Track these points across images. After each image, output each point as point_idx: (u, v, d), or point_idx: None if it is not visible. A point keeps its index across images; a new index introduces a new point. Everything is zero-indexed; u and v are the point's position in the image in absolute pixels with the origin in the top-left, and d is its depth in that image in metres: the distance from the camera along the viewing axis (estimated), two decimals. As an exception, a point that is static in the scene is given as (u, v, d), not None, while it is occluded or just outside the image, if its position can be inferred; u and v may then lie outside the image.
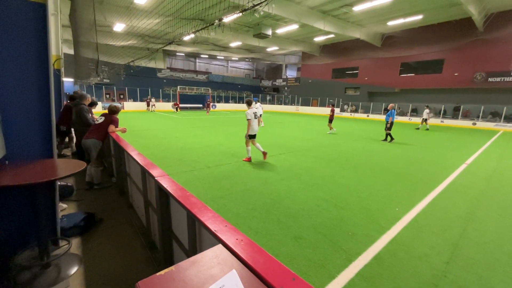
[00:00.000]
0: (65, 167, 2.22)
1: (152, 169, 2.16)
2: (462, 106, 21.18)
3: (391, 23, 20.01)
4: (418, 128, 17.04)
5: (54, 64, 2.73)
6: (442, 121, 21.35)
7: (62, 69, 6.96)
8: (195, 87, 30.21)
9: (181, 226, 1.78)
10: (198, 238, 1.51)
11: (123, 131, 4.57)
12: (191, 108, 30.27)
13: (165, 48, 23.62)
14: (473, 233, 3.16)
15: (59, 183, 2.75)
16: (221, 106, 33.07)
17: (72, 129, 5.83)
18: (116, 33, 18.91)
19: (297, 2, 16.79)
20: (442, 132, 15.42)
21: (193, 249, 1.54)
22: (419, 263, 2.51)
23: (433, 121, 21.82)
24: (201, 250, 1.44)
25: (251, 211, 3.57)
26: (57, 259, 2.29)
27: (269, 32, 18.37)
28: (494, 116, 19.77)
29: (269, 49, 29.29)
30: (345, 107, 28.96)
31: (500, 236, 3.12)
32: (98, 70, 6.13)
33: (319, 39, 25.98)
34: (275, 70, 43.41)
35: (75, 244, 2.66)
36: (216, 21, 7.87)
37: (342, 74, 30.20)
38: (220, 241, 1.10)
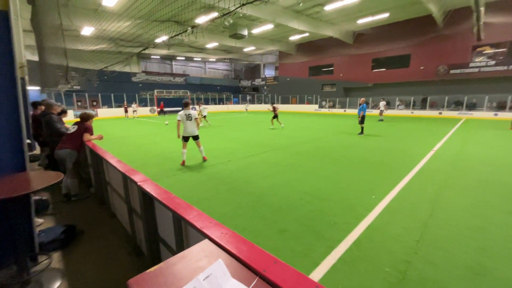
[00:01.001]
0: (40, 180, 2.16)
1: (133, 174, 2.16)
2: (429, 97, 22.71)
3: (360, 21, 20.96)
4: (381, 120, 17.68)
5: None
6: (412, 112, 22.73)
7: (26, 77, 6.55)
8: (173, 90, 29.57)
9: (167, 228, 1.81)
10: (184, 237, 1.56)
11: (100, 138, 4.43)
12: (170, 112, 29.54)
13: (140, 51, 22.88)
14: (440, 213, 3.47)
15: (33, 197, 2.63)
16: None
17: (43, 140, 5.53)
18: (84, 37, 17.99)
19: (271, 2, 17.04)
20: (412, 122, 16.44)
21: (180, 249, 1.59)
22: (393, 244, 2.74)
23: (404, 112, 23.19)
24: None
25: (237, 209, 3.64)
26: (38, 275, 2.21)
27: (245, 32, 18.47)
28: (457, 105, 21.43)
29: (246, 49, 29.40)
30: (323, 103, 29.85)
31: (463, 213, 3.46)
32: (68, 76, 5.85)
33: (295, 38, 26.53)
34: (254, 70, 43.65)
35: (56, 259, 2.57)
36: (189, 28, 7.81)
37: (318, 71, 31.08)
38: (206, 236, 1.17)
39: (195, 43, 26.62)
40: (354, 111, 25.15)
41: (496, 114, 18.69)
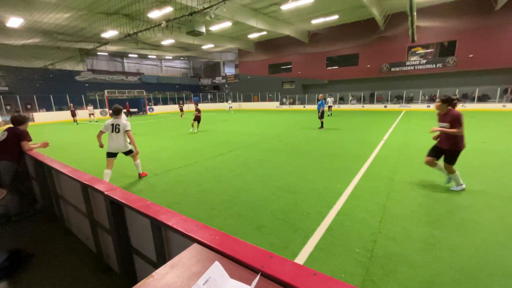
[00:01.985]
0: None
1: (97, 183, 1.95)
2: (375, 93, 25.23)
3: (314, 21, 22.16)
4: (330, 115, 18.06)
5: None
6: (363, 106, 24.99)
7: None
8: (126, 90, 27.28)
9: (143, 237, 1.68)
10: (166, 245, 1.46)
11: (45, 146, 3.86)
12: (124, 113, 27.31)
13: (83, 47, 20.48)
14: (394, 194, 3.90)
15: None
16: (159, 109, 30.77)
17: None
18: (11, 29, 15.39)
19: (228, -1, 16.87)
20: (363, 115, 18.08)
21: (162, 258, 1.49)
22: (360, 226, 2.99)
23: (356, 106, 25.37)
24: (171, 256, 1.40)
25: (210, 210, 3.56)
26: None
27: (203, 29, 17.93)
28: (398, 99, 24.25)
29: (204, 47, 28.65)
30: (284, 100, 30.86)
31: (413, 193, 3.95)
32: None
33: (253, 36, 26.78)
34: (213, 68, 42.84)
35: (0, 290, 2.18)
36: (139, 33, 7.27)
37: (277, 69, 31.97)
38: (195, 240, 1.12)
39: (149, 40, 24.93)
40: (313, 107, 26.59)
41: (428, 106, 21.68)
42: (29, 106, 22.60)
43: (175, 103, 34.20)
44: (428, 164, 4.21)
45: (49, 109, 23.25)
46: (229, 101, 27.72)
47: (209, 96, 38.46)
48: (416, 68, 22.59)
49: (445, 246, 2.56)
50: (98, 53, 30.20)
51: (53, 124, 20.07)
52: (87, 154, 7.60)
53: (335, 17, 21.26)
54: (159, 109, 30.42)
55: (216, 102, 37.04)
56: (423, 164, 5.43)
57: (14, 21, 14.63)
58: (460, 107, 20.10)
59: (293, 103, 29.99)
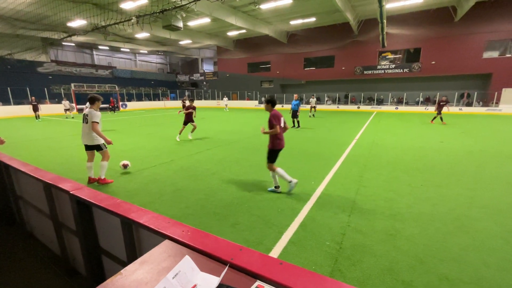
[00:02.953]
0: None
1: (61, 183, 1.85)
2: (350, 94, 26.42)
3: (293, 22, 22.58)
4: (312, 116, 17.71)
5: None
6: (338, 107, 26.03)
7: None
8: (96, 85, 25.64)
9: (114, 237, 1.64)
10: (137, 243, 1.45)
11: (1, 142, 3.54)
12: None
13: (46, 36, 18.83)
14: (363, 190, 4.17)
15: None
16: (133, 105, 29.34)
17: None
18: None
19: (206, -5, 16.57)
20: (338, 115, 18.86)
21: (133, 257, 1.47)
22: (331, 220, 3.16)
23: (332, 107, 26.35)
24: (142, 255, 1.39)
25: (185, 209, 3.53)
26: None
27: (180, 24, 17.42)
28: (370, 100, 25.64)
29: (182, 42, 27.87)
30: (263, 99, 31.09)
31: (379, 189, 4.25)
32: None
33: (232, 33, 26.60)
34: (191, 64, 41.83)
35: None
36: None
37: (256, 68, 32.09)
38: (166, 236, 1.13)
39: (121, 32, 23.65)
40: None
41: (396, 108, 23.21)
42: (-21, 99, 20.34)
43: (150, 99, 32.87)
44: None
45: (6, 102, 21.11)
46: (225, 99, 25.73)
47: (186, 93, 37.51)
48: (386, 72, 24.03)
49: (403, 236, 2.81)
50: (64, 44, 28.03)
51: (11, 119, 18.25)
52: (51, 153, 7.06)
53: (312, 19, 21.86)
54: (133, 105, 29.01)
55: (194, 99, 36.24)
56: (390, 162, 5.84)
57: (-37, 3, 13.06)
58: (423, 109, 21.84)
59: (272, 102, 30.31)
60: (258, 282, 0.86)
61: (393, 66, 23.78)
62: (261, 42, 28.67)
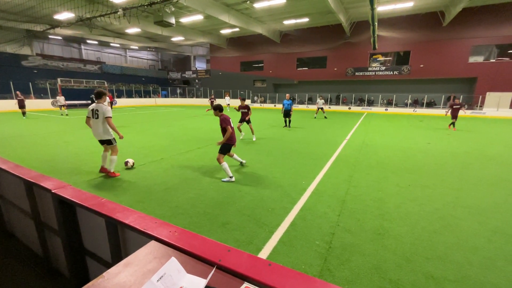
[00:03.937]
0: None
1: (44, 181, 1.77)
2: (341, 95, 26.75)
3: (286, 22, 22.63)
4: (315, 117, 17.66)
5: None
6: (329, 107, 26.31)
7: None
8: (84, 80, 24.90)
9: (98, 238, 1.58)
10: (123, 244, 1.40)
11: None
12: (80, 105, 24.83)
13: (31, 28, 18.12)
14: (353, 190, 4.22)
15: None
16: (123, 102, 28.66)
17: None
18: None
19: (199, -9, 16.39)
20: (329, 115, 19.06)
21: (118, 259, 1.42)
22: (321, 220, 3.18)
23: (324, 107, 26.59)
24: (128, 256, 1.35)
25: (176, 209, 3.47)
26: None
27: (172, 20, 17.14)
28: (361, 101, 26.05)
29: (174, 39, 27.49)
30: (255, 98, 31.08)
31: (368, 188, 4.31)
32: None
33: (226, 31, 26.42)
34: (184, 62, 41.31)
35: None
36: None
37: (249, 67, 32.01)
38: (153, 237, 1.10)
39: (110, 26, 23.10)
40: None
41: (386, 109, 23.67)
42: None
43: (141, 96, 32.24)
44: (230, 156, 5.22)
45: (-14, 96, 20.23)
46: (227, 98, 24.85)
47: (178, 91, 37.01)
48: (376, 73, 24.46)
49: (391, 235, 2.86)
50: (50, 37, 27.11)
51: (-8, 114, 17.50)
52: (36, 149, 6.81)
53: (305, 19, 21.98)
54: (123, 102, 28.36)
55: (186, 97, 35.80)
56: (379, 163, 5.95)
57: None
58: (412, 111, 22.39)
59: (264, 101, 30.36)
60: (245, 284, 0.85)
61: (384, 68, 24.23)
62: (254, 41, 28.61)
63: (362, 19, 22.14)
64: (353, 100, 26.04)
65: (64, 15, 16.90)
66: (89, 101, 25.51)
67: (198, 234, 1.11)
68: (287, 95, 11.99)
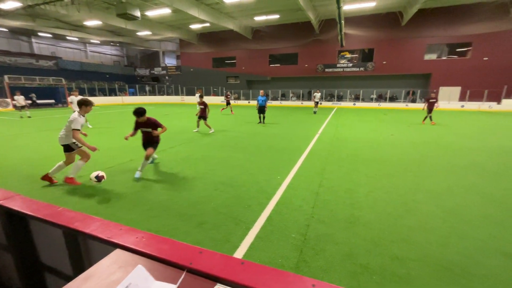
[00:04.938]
0: None
1: (-13, 192, 1.56)
2: (312, 90, 27.57)
3: (257, 18, 22.60)
4: (315, 112, 17.16)
5: None
6: (302, 103, 27.01)
7: None
8: (37, 77, 22.51)
9: (57, 251, 1.44)
10: (85, 255, 1.29)
11: None
12: (36, 105, 22.44)
13: (-32, 18, 15.86)
14: (325, 182, 4.39)
15: None
16: (85, 101, 26.40)
17: None
18: None
19: (166, -17, 15.64)
20: (302, 111, 19.59)
21: (80, 271, 1.30)
22: (296, 213, 3.26)
23: (296, 103, 27.25)
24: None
25: (148, 212, 3.31)
26: None
27: (137, 13, 16.17)
28: (331, 97, 27.13)
29: (140, 33, 26.00)
30: (229, 94, 30.74)
31: (340, 180, 4.52)
32: None
33: (196, 26, 25.64)
34: (152, 58, 39.33)
35: None
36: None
37: (222, 63, 31.52)
38: (117, 245, 1.02)
39: (65, 18, 21.11)
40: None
41: (354, 104, 24.97)
42: None
43: (105, 95, 30.04)
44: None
45: None
46: (197, 95, 23.63)
47: (147, 88, 35.21)
48: (344, 70, 25.63)
49: (361, 222, 3.03)
50: (-7, 28, 24.01)
51: None
52: (-21, 156, 6.01)
53: (276, 16, 22.16)
54: (84, 101, 26.17)
55: (156, 95, 34.20)
56: (349, 155, 6.25)
57: None
58: (377, 106, 23.90)
59: (238, 98, 30.18)
60: (218, 285, 0.82)
61: (351, 65, 25.45)
62: (226, 37, 28.18)
63: (330, 17, 22.94)
64: (324, 96, 27.00)
65: (9, 4, 15.04)
66: (44, 100, 23.19)
67: (167, 238, 1.05)
68: (261, 91, 12.05)
